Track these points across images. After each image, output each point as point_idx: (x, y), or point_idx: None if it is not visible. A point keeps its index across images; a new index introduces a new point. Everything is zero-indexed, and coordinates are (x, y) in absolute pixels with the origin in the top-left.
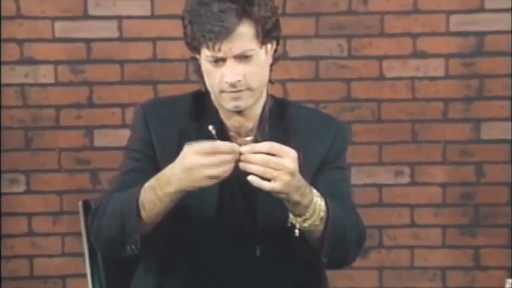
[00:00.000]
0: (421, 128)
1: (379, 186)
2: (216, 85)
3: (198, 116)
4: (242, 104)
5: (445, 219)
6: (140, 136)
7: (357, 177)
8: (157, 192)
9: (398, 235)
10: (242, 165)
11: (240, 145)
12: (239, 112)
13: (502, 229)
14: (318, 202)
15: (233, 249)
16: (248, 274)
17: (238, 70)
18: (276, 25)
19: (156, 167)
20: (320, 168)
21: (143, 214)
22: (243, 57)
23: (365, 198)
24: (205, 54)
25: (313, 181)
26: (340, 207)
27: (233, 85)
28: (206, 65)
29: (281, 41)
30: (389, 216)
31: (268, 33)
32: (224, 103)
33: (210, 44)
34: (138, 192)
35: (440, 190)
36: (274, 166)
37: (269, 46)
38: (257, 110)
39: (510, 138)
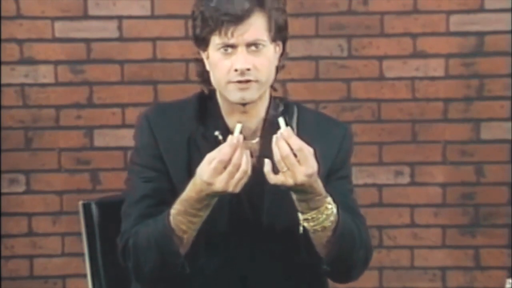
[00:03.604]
0: (421, 128)
1: (379, 186)
2: (223, 76)
3: (203, 121)
4: (248, 96)
5: (445, 219)
6: (147, 150)
7: (357, 177)
8: (190, 211)
9: (398, 235)
10: (273, 141)
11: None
12: (243, 108)
13: (502, 229)
14: (328, 212)
15: (237, 250)
16: (250, 275)
17: (249, 59)
18: (286, 24)
19: (168, 179)
20: (328, 177)
21: (184, 236)
22: (253, 48)
23: (365, 198)
24: (215, 43)
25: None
26: (355, 223)
27: (242, 72)
28: (214, 56)
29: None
30: (389, 216)
31: (279, 29)
32: (230, 95)
33: (223, 29)
34: (168, 220)
35: (440, 190)
36: (288, 165)
37: (277, 46)
38: (260, 109)
39: (510, 138)
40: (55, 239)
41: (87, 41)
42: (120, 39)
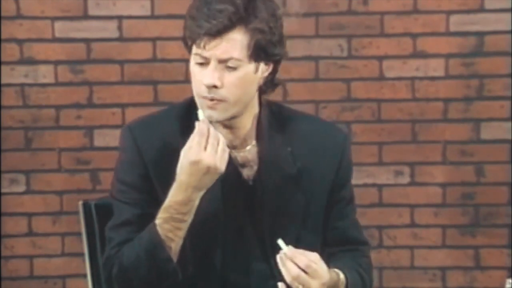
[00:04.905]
0: (421, 128)
1: (379, 186)
2: (196, 89)
3: (189, 133)
4: (215, 115)
5: (445, 219)
6: (134, 168)
7: (357, 177)
8: (176, 216)
9: (398, 235)
10: (279, 263)
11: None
12: (225, 122)
13: (502, 229)
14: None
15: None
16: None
17: (219, 76)
18: (274, 46)
19: (152, 199)
20: (332, 192)
21: (172, 244)
22: (227, 65)
23: (365, 198)
24: (194, 53)
25: (326, 213)
26: (359, 273)
27: (209, 88)
28: (192, 66)
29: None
30: (389, 216)
31: (262, 49)
32: (201, 110)
33: (198, 40)
34: (154, 229)
35: (440, 190)
36: (301, 283)
37: (261, 65)
38: (246, 120)
39: (510, 138)
40: (55, 239)
41: (87, 41)
42: (120, 39)
